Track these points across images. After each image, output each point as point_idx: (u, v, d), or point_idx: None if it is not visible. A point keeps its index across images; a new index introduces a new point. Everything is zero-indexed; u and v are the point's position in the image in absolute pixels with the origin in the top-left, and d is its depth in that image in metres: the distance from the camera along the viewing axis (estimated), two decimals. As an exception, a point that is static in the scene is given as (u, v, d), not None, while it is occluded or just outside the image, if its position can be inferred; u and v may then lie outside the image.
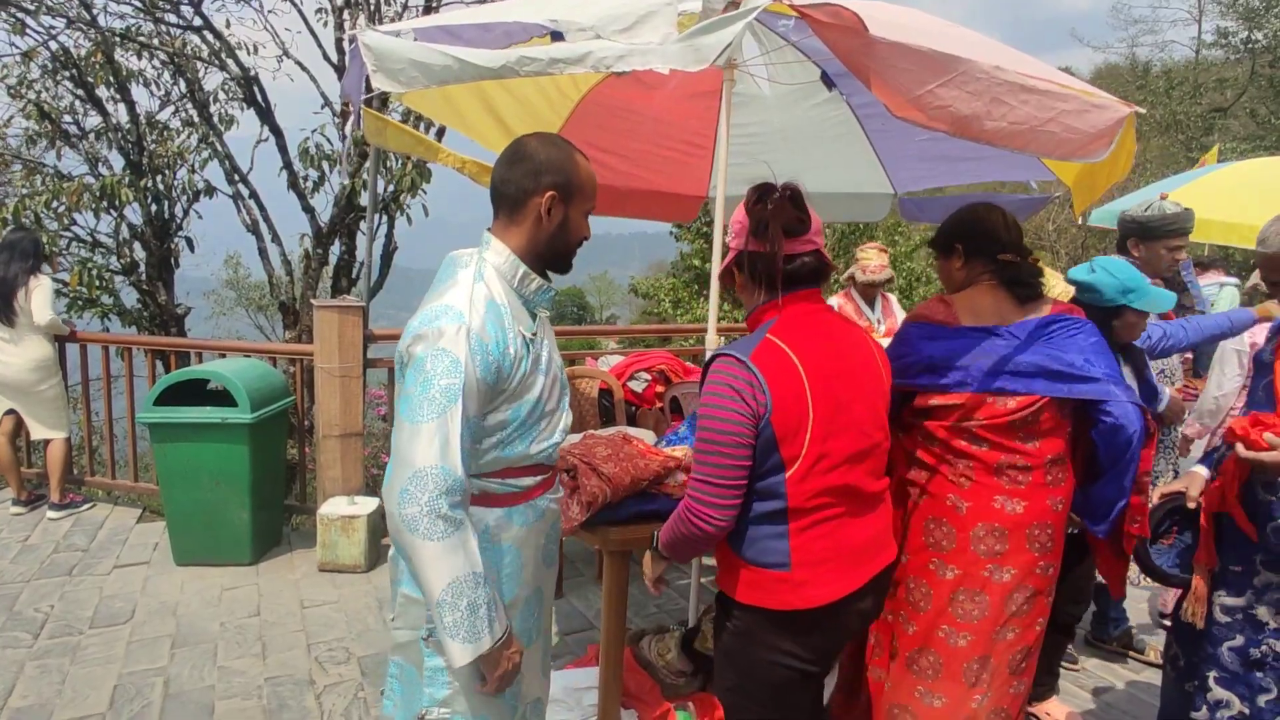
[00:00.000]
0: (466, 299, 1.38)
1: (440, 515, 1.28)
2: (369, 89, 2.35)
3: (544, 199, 1.46)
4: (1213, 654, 2.03)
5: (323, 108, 7.00)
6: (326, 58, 6.88)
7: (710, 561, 3.94)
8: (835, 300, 4.21)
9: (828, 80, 3.31)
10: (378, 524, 3.93)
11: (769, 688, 1.64)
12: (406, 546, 1.31)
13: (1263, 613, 1.94)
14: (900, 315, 4.58)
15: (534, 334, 1.50)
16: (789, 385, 1.49)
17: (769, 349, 1.52)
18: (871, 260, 4.21)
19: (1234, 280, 6.71)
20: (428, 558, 1.29)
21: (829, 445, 1.52)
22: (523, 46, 2.21)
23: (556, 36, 2.21)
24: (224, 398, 3.67)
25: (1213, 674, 2.04)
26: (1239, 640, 1.98)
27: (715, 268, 2.82)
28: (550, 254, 1.52)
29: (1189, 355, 7.46)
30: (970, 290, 1.98)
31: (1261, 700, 1.94)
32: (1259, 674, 1.95)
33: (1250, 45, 16.91)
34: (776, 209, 1.56)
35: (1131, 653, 3.18)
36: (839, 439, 1.54)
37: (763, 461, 1.51)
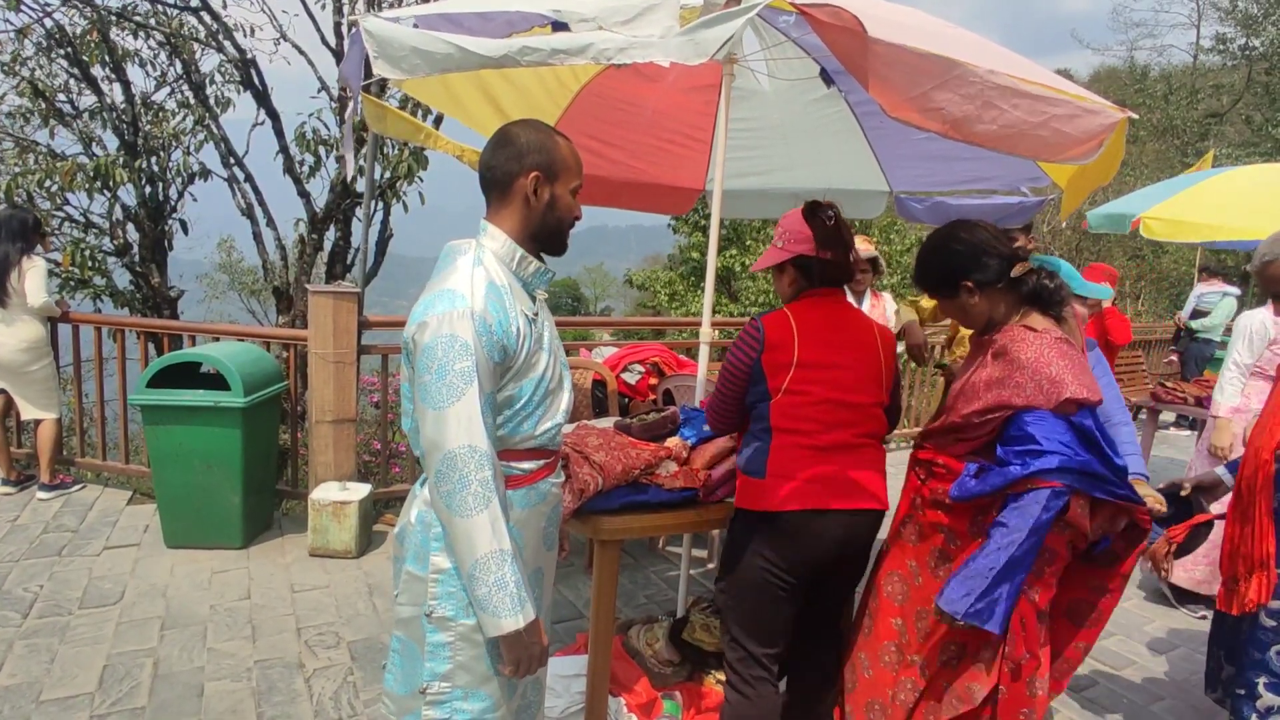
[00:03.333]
0: (467, 283, 1.43)
1: (471, 492, 1.36)
2: (369, 74, 2.35)
3: (529, 180, 1.50)
4: (1260, 659, 2.06)
5: (320, 92, 6.95)
6: (325, 42, 6.83)
7: (699, 554, 3.96)
8: None
9: (826, 77, 3.31)
10: (369, 510, 3.94)
11: (750, 588, 2.01)
12: (445, 523, 1.42)
13: None
14: (893, 314, 4.45)
15: (535, 314, 1.55)
16: (781, 337, 1.96)
17: (778, 315, 2.02)
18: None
19: (1235, 290, 6.79)
20: (461, 532, 1.38)
21: (809, 387, 1.94)
22: (524, 36, 2.21)
23: (558, 26, 2.21)
24: (217, 381, 3.66)
25: (1262, 680, 2.06)
26: None
27: (711, 260, 2.84)
28: (544, 234, 1.56)
29: (1174, 358, 7.48)
30: (1047, 342, 1.82)
31: None
32: None
33: (1248, 52, 17.00)
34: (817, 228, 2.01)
35: None
36: (819, 386, 1.94)
37: (755, 387, 1.99)
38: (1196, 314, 6.91)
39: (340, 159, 6.51)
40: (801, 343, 1.96)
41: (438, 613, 1.47)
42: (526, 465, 1.56)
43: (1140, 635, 3.47)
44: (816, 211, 2.02)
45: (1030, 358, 1.77)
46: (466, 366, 1.37)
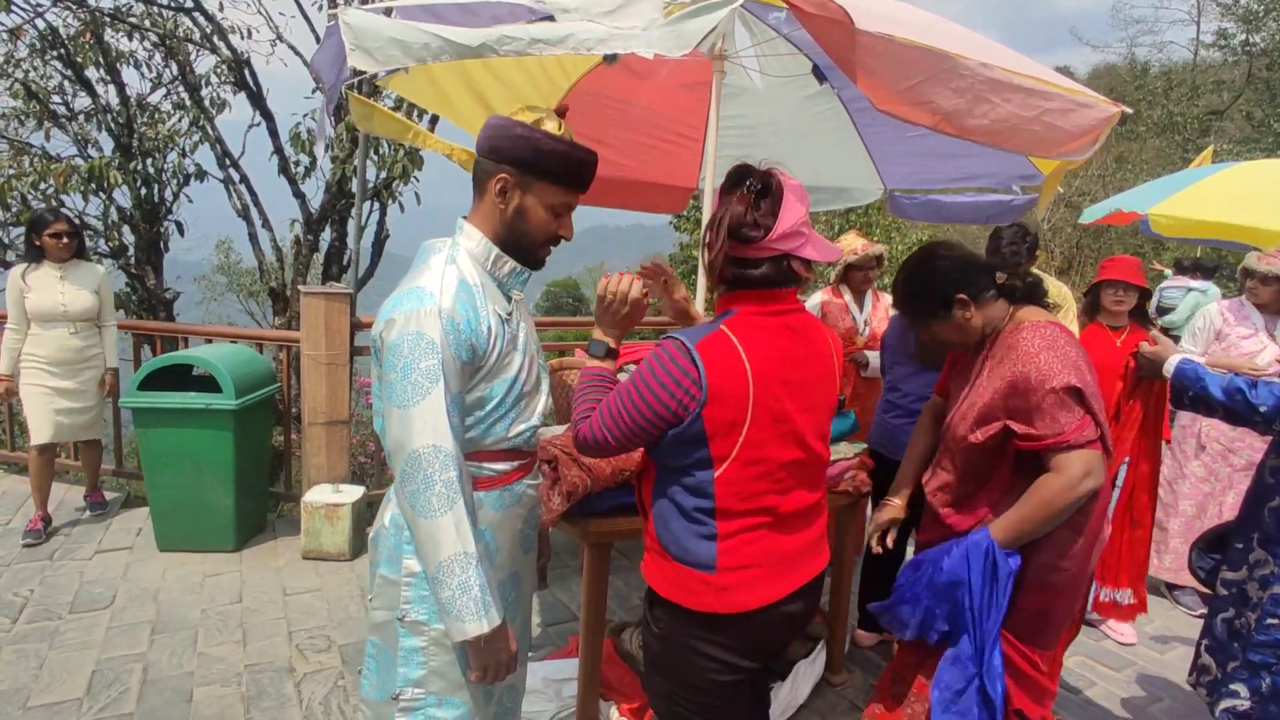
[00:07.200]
0: (438, 281, 1.40)
1: (435, 493, 1.33)
2: (356, 72, 2.32)
3: (494, 182, 1.45)
4: (1209, 624, 2.22)
5: (314, 92, 6.94)
6: (319, 42, 6.83)
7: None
8: (820, 296, 3.85)
9: (819, 73, 3.29)
10: (362, 512, 3.91)
11: (704, 691, 1.53)
12: (410, 524, 1.39)
13: (1251, 589, 2.10)
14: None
15: (509, 314, 1.50)
16: (730, 384, 1.39)
17: (719, 342, 1.41)
18: (856, 242, 3.87)
19: (1200, 285, 6.67)
20: (425, 534, 1.35)
21: (764, 452, 1.44)
22: (506, 27, 2.18)
23: (547, 20, 2.18)
24: (209, 383, 3.64)
25: (1205, 642, 2.24)
26: (1230, 612, 2.16)
27: (702, 261, 2.81)
28: (510, 243, 1.50)
29: None
30: (1048, 332, 1.75)
31: (1230, 666, 2.11)
32: (1236, 644, 2.11)
33: (1249, 48, 16.94)
34: (731, 205, 1.45)
35: None
36: (776, 447, 1.45)
37: (689, 453, 1.43)
38: (1161, 310, 6.80)
39: (335, 159, 6.48)
40: (757, 392, 1.40)
41: (410, 617, 1.44)
42: (500, 466, 1.52)
43: (1139, 635, 3.44)
44: (729, 185, 1.47)
45: (1023, 352, 1.75)
46: (432, 365, 1.33)
